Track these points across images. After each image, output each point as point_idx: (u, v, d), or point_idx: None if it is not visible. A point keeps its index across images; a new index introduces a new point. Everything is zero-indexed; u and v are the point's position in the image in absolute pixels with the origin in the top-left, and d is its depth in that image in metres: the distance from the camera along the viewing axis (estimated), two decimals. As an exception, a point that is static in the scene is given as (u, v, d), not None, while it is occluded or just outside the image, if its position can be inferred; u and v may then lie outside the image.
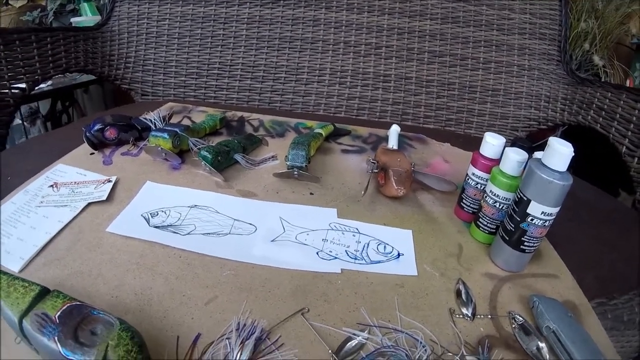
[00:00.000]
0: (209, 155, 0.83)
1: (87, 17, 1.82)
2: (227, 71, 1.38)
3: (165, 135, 0.86)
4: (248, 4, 1.35)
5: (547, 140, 0.60)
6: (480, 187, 0.74)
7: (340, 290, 0.61)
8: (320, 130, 1.01)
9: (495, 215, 0.70)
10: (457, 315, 0.59)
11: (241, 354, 0.48)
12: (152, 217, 0.72)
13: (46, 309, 0.45)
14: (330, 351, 0.51)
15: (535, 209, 0.60)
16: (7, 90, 1.06)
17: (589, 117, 1.19)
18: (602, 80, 1.64)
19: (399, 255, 0.69)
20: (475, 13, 1.33)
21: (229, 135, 1.05)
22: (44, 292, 0.48)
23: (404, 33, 1.34)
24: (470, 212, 0.78)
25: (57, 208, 0.72)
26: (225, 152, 0.87)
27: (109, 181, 0.80)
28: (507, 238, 0.65)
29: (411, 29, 1.34)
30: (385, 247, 0.71)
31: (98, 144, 0.92)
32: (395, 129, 1.04)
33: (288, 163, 0.85)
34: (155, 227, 0.70)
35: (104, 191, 0.77)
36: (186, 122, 1.11)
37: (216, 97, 1.40)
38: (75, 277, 0.59)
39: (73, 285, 0.58)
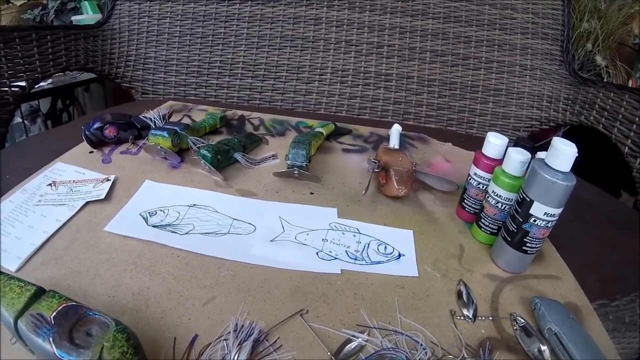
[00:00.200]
0: (208, 154, 0.83)
1: (88, 16, 1.81)
2: (227, 70, 1.37)
3: (165, 133, 0.85)
4: (249, 2, 1.34)
5: (549, 141, 0.59)
6: (482, 187, 0.74)
7: (340, 291, 0.60)
8: (321, 129, 1.01)
9: (497, 216, 0.69)
10: (458, 317, 0.58)
11: (239, 356, 0.48)
12: (150, 216, 0.72)
13: (41, 310, 0.44)
14: (329, 353, 0.51)
15: (538, 209, 0.60)
16: (7, 89, 1.06)
17: (592, 117, 1.18)
18: (605, 80, 1.63)
19: (399, 255, 0.68)
20: (477, 12, 1.32)
21: (229, 134, 1.04)
22: (39, 292, 0.47)
23: (406, 32, 1.33)
24: (472, 212, 0.77)
25: (55, 207, 0.72)
26: (225, 151, 0.87)
27: (108, 180, 0.79)
28: (509, 239, 0.65)
29: (413, 28, 1.33)
30: (385, 247, 0.70)
31: (97, 143, 0.91)
32: (396, 129, 1.03)
33: (288, 162, 0.84)
34: (154, 226, 0.69)
35: (102, 190, 0.76)
36: (186, 120, 1.11)
37: (217, 95, 1.39)
38: (72, 276, 0.59)
39: (70, 285, 0.57)
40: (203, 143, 0.90)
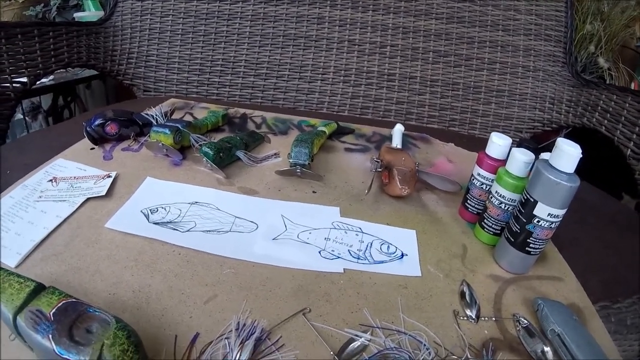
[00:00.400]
0: (210, 152, 0.82)
1: (90, 13, 1.81)
2: (230, 68, 1.37)
3: (167, 130, 0.85)
4: (252, 0, 1.34)
5: (551, 142, 0.59)
6: (486, 187, 0.73)
7: (343, 291, 0.60)
8: (323, 128, 1.00)
9: (501, 217, 0.69)
10: (461, 317, 0.58)
11: (240, 355, 0.47)
12: (151, 213, 0.71)
13: (41, 306, 0.44)
14: (332, 353, 0.50)
15: (541, 210, 0.59)
16: (8, 84, 1.05)
17: (594, 119, 1.18)
18: (607, 82, 1.63)
19: (402, 255, 0.68)
20: (480, 13, 1.32)
21: (231, 132, 1.04)
22: (39, 289, 0.47)
23: (409, 32, 1.33)
24: (475, 212, 0.76)
25: (55, 203, 0.72)
26: (227, 149, 0.86)
27: (109, 176, 0.79)
28: (513, 240, 0.64)
29: (416, 28, 1.33)
30: (388, 247, 0.69)
31: (99, 139, 0.91)
32: (399, 128, 1.03)
33: (291, 160, 0.84)
34: (155, 223, 0.69)
35: (103, 186, 0.76)
36: (188, 118, 1.10)
37: (219, 94, 1.39)
38: (72, 273, 0.58)
39: (70, 281, 0.57)
40: (205, 140, 0.89)
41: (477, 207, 0.76)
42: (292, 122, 1.14)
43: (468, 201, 0.77)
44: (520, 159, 0.65)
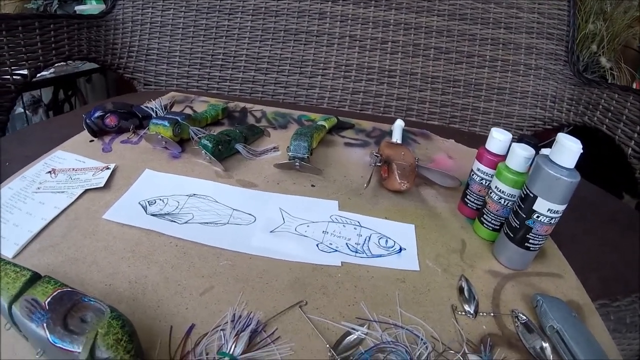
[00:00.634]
0: (209, 144, 0.82)
1: (91, 6, 1.81)
2: (230, 62, 1.36)
3: (166, 123, 0.84)
4: (253, -5, 1.34)
5: (552, 140, 0.59)
6: (485, 183, 0.73)
7: (340, 284, 0.60)
8: (323, 123, 1.00)
9: (500, 212, 0.69)
10: (459, 312, 0.57)
11: (235, 346, 0.47)
12: (149, 205, 0.71)
13: (36, 295, 0.44)
14: (327, 345, 0.50)
15: (541, 205, 0.59)
16: (8, 76, 1.05)
17: (595, 118, 1.17)
18: (609, 82, 1.63)
19: (400, 249, 0.68)
20: (483, 10, 1.31)
21: (231, 126, 1.03)
22: (35, 278, 0.46)
23: (411, 28, 1.33)
24: (474, 208, 0.76)
25: (54, 194, 0.71)
26: (226, 142, 0.86)
27: (108, 168, 0.79)
28: (512, 235, 0.64)
29: (418, 24, 1.33)
30: (387, 241, 0.69)
31: (98, 131, 0.90)
32: (399, 124, 1.03)
33: (290, 154, 0.84)
34: (153, 215, 0.69)
35: (101, 178, 0.75)
36: (188, 111, 1.10)
37: (219, 88, 1.38)
38: (69, 264, 0.58)
39: (67, 272, 0.57)
40: (204, 133, 0.89)
41: (477, 202, 0.76)
42: (292, 116, 1.14)
43: (467, 196, 0.77)
44: (521, 154, 0.64)
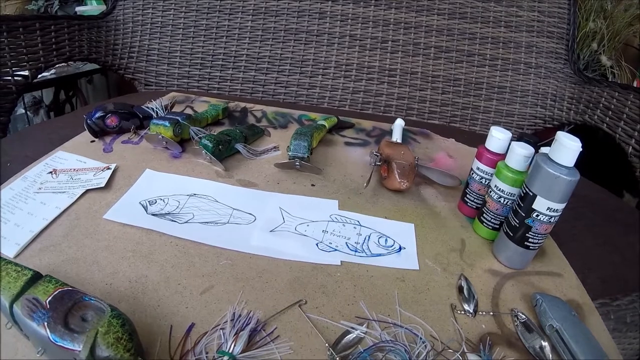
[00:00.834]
0: (209, 144, 0.82)
1: (92, 7, 1.81)
2: (231, 62, 1.37)
3: (167, 123, 0.85)
4: (254, -5, 1.34)
5: (551, 139, 0.59)
6: (485, 181, 0.73)
7: (340, 283, 0.60)
8: (323, 122, 1.00)
9: (500, 211, 0.69)
10: (459, 312, 0.57)
11: (235, 345, 0.47)
12: (150, 204, 0.71)
13: (37, 294, 0.44)
14: (327, 344, 0.50)
15: (541, 204, 0.59)
16: (10, 77, 1.05)
17: (596, 116, 1.17)
18: (609, 80, 1.62)
19: (400, 248, 0.68)
20: (483, 9, 1.31)
21: (231, 126, 1.03)
22: (36, 277, 0.47)
23: (411, 28, 1.33)
24: (474, 207, 0.76)
25: (55, 194, 0.72)
26: (227, 142, 0.86)
27: (108, 168, 0.79)
28: (511, 234, 0.64)
29: (418, 23, 1.33)
30: (386, 240, 0.69)
31: (99, 132, 0.91)
32: (399, 123, 1.03)
33: (290, 153, 0.84)
34: (153, 214, 0.69)
35: (102, 178, 0.76)
36: (188, 111, 1.10)
37: (220, 88, 1.38)
38: (70, 263, 0.58)
39: (68, 271, 0.57)
40: (205, 133, 0.89)
41: (476, 201, 0.76)
42: (292, 116, 1.14)
43: (467, 195, 0.77)
44: (520, 153, 0.64)
